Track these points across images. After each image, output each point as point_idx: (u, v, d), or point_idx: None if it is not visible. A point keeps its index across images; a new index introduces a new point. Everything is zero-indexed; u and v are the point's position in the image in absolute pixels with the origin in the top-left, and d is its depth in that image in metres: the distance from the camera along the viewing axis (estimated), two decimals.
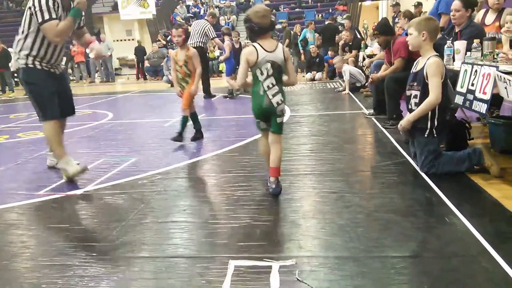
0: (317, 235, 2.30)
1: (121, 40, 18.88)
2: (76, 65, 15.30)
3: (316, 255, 2.08)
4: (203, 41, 8.29)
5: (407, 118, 3.17)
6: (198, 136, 4.83)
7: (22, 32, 3.47)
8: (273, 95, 2.90)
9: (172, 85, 12.18)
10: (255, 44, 2.86)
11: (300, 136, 4.68)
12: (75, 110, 3.92)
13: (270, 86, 2.88)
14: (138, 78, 15.40)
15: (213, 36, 8.37)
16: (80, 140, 5.23)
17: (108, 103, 9.07)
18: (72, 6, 3.48)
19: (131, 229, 2.51)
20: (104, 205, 2.97)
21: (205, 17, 8.90)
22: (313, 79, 10.90)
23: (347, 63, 8.68)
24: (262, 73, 2.86)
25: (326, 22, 12.46)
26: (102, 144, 4.95)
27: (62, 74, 3.78)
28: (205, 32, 8.30)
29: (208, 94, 8.55)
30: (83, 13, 3.67)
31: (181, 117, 4.72)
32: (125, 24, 18.38)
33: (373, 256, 2.02)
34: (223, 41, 9.06)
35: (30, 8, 3.37)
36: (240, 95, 8.49)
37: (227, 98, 8.35)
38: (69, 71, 15.49)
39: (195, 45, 8.38)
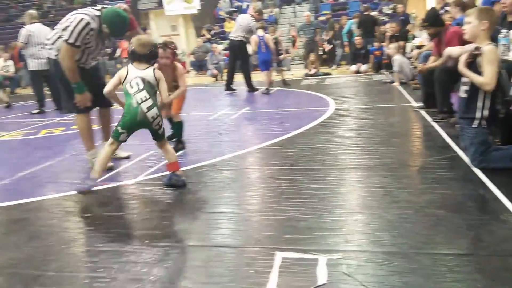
0: (364, 230, 2.28)
1: (166, 36, 19.29)
2: (125, 60, 15.81)
3: (363, 249, 2.06)
4: (246, 36, 8.32)
5: (460, 62, 3.05)
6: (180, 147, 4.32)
7: (63, 30, 3.58)
8: (148, 108, 3.00)
9: (216, 79, 12.37)
10: (129, 65, 3.11)
11: (345, 130, 4.62)
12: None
13: (144, 99, 3.00)
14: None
15: (255, 34, 8.41)
16: None
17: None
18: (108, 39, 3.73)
19: (180, 219, 2.60)
20: (155, 195, 3.07)
21: (251, 13, 8.91)
22: (358, 72, 10.69)
23: (402, 54, 8.33)
24: (132, 87, 3.02)
25: (364, 13, 12.13)
26: (149, 136, 5.10)
27: (93, 68, 3.86)
28: (251, 28, 8.33)
29: (251, 87, 8.59)
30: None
31: (175, 123, 4.35)
32: (170, 19, 18.76)
33: (423, 253, 1.98)
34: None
35: (71, 21, 3.49)
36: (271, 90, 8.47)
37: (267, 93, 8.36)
38: (118, 66, 16.05)
39: (237, 39, 8.42)
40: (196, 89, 10.38)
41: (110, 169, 3.67)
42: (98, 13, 3.54)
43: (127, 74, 3.06)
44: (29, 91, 9.34)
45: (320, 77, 10.62)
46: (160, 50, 3.97)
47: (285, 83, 9.40)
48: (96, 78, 3.91)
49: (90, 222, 2.72)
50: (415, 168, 3.30)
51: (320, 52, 12.44)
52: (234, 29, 8.74)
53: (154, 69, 3.11)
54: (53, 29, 3.74)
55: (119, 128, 3.06)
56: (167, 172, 3.28)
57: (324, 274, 1.86)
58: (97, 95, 3.68)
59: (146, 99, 3.00)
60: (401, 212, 2.43)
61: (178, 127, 4.31)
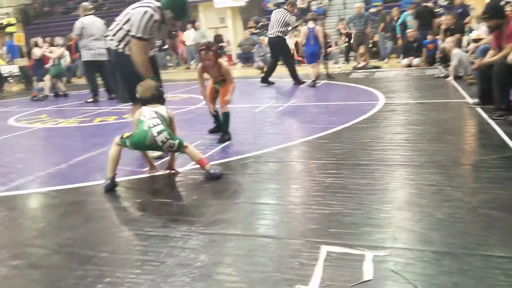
0: (413, 228, 2.22)
1: (215, 28, 19.52)
2: (174, 52, 16.17)
3: (411, 248, 2.01)
4: (283, 30, 8.30)
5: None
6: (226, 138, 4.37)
7: (124, 23, 3.71)
8: (158, 133, 3.11)
9: (262, 72, 12.37)
10: (142, 107, 3.25)
11: (394, 125, 4.50)
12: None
13: (155, 124, 3.13)
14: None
15: (295, 25, 8.33)
16: (178, 123, 5.53)
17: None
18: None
19: (226, 208, 2.64)
20: (201, 184, 3.14)
21: (285, 6, 8.85)
22: (409, 65, 10.34)
23: (459, 47, 7.95)
24: (144, 116, 3.16)
25: (422, 5, 11.66)
26: (199, 127, 5.21)
27: (151, 59, 3.91)
28: (286, 21, 8.28)
29: (297, 80, 8.54)
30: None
31: (222, 114, 4.37)
32: (218, 12, 18.94)
33: (475, 254, 1.91)
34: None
35: (133, 14, 3.58)
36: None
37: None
38: (167, 57, 16.44)
39: (274, 35, 8.38)
40: (242, 82, 10.45)
41: (160, 157, 3.78)
42: (158, 3, 3.64)
43: (140, 113, 3.22)
44: (83, 80, 9.77)
45: (369, 70, 10.38)
46: (202, 53, 4.13)
47: (329, 76, 9.26)
48: (153, 69, 4.01)
49: (140, 207, 2.83)
50: (469, 167, 3.16)
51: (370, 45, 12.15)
52: (270, 25, 8.69)
53: (166, 108, 3.27)
54: (114, 21, 3.86)
55: (126, 141, 3.17)
56: (214, 163, 3.34)
57: (370, 270, 1.83)
58: None
59: (158, 124, 3.14)
60: (452, 212, 2.35)
61: (225, 118, 4.37)
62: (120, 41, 3.74)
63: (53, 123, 6.36)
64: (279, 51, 8.64)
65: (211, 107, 4.43)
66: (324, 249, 2.03)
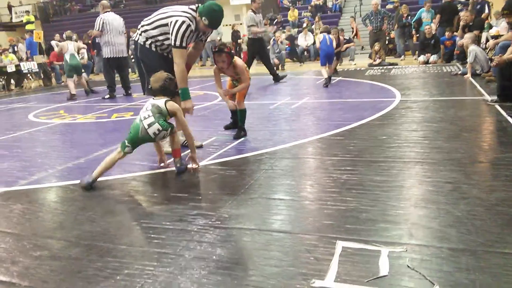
0: (430, 225, 2.20)
1: (230, 25, 19.57)
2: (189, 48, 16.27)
3: (428, 244, 2.00)
4: (249, 30, 8.76)
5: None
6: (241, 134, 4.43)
7: (152, 23, 3.79)
8: (149, 125, 3.21)
9: (278, 68, 12.34)
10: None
11: (411, 122, 4.46)
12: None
13: (146, 116, 3.23)
14: None
15: (250, 24, 8.59)
16: (195, 119, 5.60)
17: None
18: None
19: (241, 203, 2.66)
20: (217, 179, 3.17)
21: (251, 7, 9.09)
22: (426, 62, 10.22)
23: (476, 44, 7.83)
24: (142, 109, 3.32)
25: (444, 1, 11.51)
26: (214, 123, 5.25)
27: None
28: (250, 22, 8.72)
29: (276, 77, 8.83)
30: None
31: (238, 111, 4.43)
32: (234, 9, 18.97)
33: (493, 251, 1.89)
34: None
35: (170, 23, 3.66)
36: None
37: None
38: None
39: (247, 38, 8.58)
40: (257, 78, 10.46)
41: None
42: (194, 13, 3.72)
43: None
44: (100, 77, 9.87)
45: (385, 67, 10.29)
46: (216, 55, 4.19)
47: (335, 71, 9.20)
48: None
49: (158, 201, 2.87)
50: (487, 164, 3.12)
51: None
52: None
53: (166, 101, 3.29)
54: (147, 18, 3.89)
55: (126, 141, 3.28)
56: (230, 158, 3.37)
57: (386, 266, 1.83)
58: None
59: (149, 117, 3.22)
60: (470, 209, 2.32)
61: (241, 115, 4.40)
62: (148, 38, 3.82)
63: (71, 119, 6.47)
64: (253, 51, 9.15)
65: (231, 103, 4.46)
66: (340, 245, 2.03)
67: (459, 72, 7.83)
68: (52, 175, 3.60)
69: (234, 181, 3.10)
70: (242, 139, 4.25)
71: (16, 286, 1.92)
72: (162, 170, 3.46)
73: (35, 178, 3.51)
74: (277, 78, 8.89)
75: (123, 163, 3.78)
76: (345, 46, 12.14)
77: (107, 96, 8.57)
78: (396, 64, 10.53)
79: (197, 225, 2.38)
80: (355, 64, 11.71)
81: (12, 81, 13.15)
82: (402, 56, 12.11)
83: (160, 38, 3.78)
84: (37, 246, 2.31)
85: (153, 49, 3.85)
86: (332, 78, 8.12)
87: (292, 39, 14.44)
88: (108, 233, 2.39)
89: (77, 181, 3.31)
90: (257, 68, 12.98)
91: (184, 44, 3.68)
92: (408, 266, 1.82)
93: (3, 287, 1.92)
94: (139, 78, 8.54)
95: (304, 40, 14.37)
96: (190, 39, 3.77)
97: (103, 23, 8.18)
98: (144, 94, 7.76)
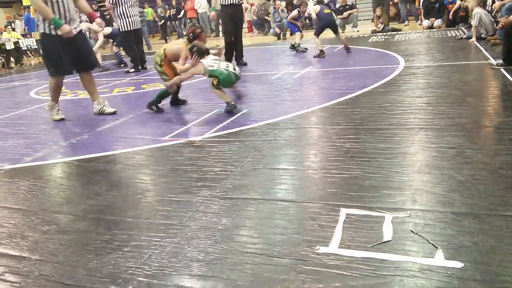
0: (433, 190, 2.21)
1: None
2: (188, 20, 16.00)
3: (431, 209, 2.01)
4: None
5: None
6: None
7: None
8: (234, 68, 4.20)
9: (279, 38, 12.16)
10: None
11: (415, 88, 4.41)
12: (92, 66, 4.79)
13: (226, 66, 4.19)
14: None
15: None
16: (196, 92, 5.57)
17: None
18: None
19: (245, 174, 2.67)
20: (221, 151, 3.18)
21: None
22: (431, 27, 10.03)
23: (480, 6, 7.62)
24: (212, 66, 4.15)
25: None
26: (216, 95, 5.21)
27: (76, 36, 4.38)
28: None
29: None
30: None
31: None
32: None
33: (496, 215, 1.90)
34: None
35: None
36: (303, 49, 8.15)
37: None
38: (182, 26, 16.29)
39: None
40: (258, 49, 10.34)
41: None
42: None
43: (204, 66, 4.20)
44: (102, 52, 9.66)
45: (388, 33, 10.11)
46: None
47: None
48: (77, 47, 4.45)
49: (162, 174, 2.89)
50: (491, 129, 3.10)
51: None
52: None
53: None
54: None
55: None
56: (233, 130, 3.37)
57: (390, 231, 1.85)
58: (78, 62, 4.51)
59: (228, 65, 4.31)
60: (473, 173, 2.32)
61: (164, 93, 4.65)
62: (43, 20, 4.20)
63: (73, 95, 6.45)
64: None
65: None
66: (344, 212, 2.05)
67: (464, 36, 7.68)
68: (57, 151, 3.62)
69: (238, 152, 3.10)
70: (245, 110, 4.22)
71: (27, 259, 1.96)
72: (165, 144, 3.47)
73: (40, 155, 3.53)
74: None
75: (126, 137, 3.79)
76: (347, 12, 11.90)
77: (132, 69, 8.30)
78: (400, 30, 10.34)
79: (202, 197, 2.40)
80: (358, 31, 11.51)
81: (12, 59, 13.05)
82: (406, 22, 11.88)
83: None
84: (45, 221, 2.34)
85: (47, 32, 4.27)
86: (322, 50, 7.81)
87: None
88: (114, 207, 2.42)
89: (82, 156, 3.34)
90: (258, 38, 12.80)
91: None
92: (412, 231, 1.83)
93: (14, 261, 1.96)
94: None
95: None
96: None
97: None
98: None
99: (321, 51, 7.45)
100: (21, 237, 2.18)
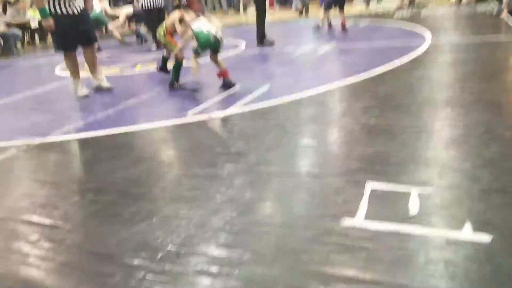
0: (460, 166, 2.18)
1: None
2: None
3: (458, 185, 1.99)
4: None
5: None
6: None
7: None
8: (216, 32, 4.26)
9: (301, 14, 11.96)
10: None
11: (442, 65, 4.31)
12: (93, 39, 4.93)
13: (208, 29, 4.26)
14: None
15: None
16: (217, 69, 5.55)
17: (240, 33, 9.34)
18: None
19: (269, 149, 2.69)
20: (244, 126, 3.19)
21: None
22: (459, 2, 9.68)
23: None
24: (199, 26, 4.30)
25: None
26: (238, 72, 5.19)
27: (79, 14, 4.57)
28: None
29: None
30: None
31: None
32: None
33: None
34: None
35: None
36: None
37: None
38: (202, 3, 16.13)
39: None
40: (280, 25, 10.20)
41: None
42: None
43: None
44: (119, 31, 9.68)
45: (415, 9, 9.82)
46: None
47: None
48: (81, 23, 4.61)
49: (186, 149, 2.93)
50: None
51: None
52: None
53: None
54: None
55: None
56: (255, 107, 3.38)
57: (416, 206, 1.84)
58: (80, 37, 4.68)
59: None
60: (501, 150, 2.28)
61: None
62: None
63: None
64: None
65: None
66: (369, 186, 2.05)
67: (494, 12, 7.40)
68: (83, 126, 3.69)
69: (261, 128, 3.11)
70: (267, 86, 4.20)
71: (59, 228, 2.04)
72: (189, 120, 3.50)
73: (67, 130, 3.61)
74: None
75: (150, 113, 3.84)
76: None
77: (154, 47, 8.29)
78: (426, 6, 10.02)
79: (226, 170, 2.43)
80: (382, 7, 11.22)
81: (36, 36, 13.23)
82: None
83: None
84: (74, 193, 2.42)
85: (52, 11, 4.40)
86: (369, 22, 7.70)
87: None
88: (140, 180, 2.47)
89: (108, 131, 3.40)
90: (280, 14, 12.62)
91: None
92: (438, 206, 1.82)
93: (47, 230, 2.04)
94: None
95: None
96: None
97: None
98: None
99: (329, 24, 7.40)
100: (53, 207, 2.25)
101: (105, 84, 5.02)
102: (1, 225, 2.13)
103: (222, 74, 4.40)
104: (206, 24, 4.28)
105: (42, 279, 1.69)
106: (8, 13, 11.59)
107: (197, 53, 4.32)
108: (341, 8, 7.75)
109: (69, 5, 4.48)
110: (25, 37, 12.57)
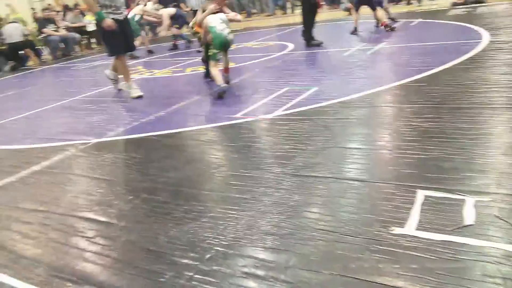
0: None
1: None
2: None
3: None
4: None
5: None
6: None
7: None
8: (228, 33, 4.51)
9: (350, 13, 11.73)
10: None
11: (501, 65, 4.08)
12: (133, 48, 5.38)
13: (222, 29, 4.53)
14: None
15: None
16: (266, 70, 5.59)
17: (288, 34, 9.32)
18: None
19: (316, 152, 2.67)
20: (292, 129, 3.18)
21: None
22: None
23: None
24: (212, 23, 4.56)
25: None
26: (286, 73, 5.20)
27: (123, 21, 4.88)
28: None
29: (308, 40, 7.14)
30: None
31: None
32: None
33: None
34: None
35: None
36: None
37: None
38: (250, 5, 16.28)
39: None
40: (329, 25, 10.08)
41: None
42: None
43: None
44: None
45: (471, 5, 9.37)
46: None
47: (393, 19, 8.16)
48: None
49: (234, 150, 2.97)
50: None
51: None
52: None
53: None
54: None
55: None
56: (303, 108, 3.37)
57: (472, 215, 1.76)
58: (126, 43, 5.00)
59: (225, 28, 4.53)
60: None
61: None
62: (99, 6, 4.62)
63: (149, 74, 6.75)
64: None
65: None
66: (421, 193, 1.98)
67: None
68: (137, 127, 3.84)
69: (309, 130, 3.09)
70: (315, 88, 4.17)
71: (114, 225, 2.14)
72: (237, 121, 3.54)
73: (122, 130, 3.77)
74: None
75: (200, 114, 3.93)
76: None
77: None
78: (484, 2, 9.52)
79: (273, 173, 2.44)
80: (436, 3, 10.79)
81: (93, 40, 13.88)
82: None
83: None
84: (129, 191, 2.52)
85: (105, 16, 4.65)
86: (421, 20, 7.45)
87: None
88: (191, 180, 2.54)
89: (159, 132, 3.52)
90: (329, 13, 12.46)
91: None
92: (496, 216, 1.73)
93: (103, 227, 2.14)
94: None
95: None
96: None
97: None
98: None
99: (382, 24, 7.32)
100: (108, 205, 2.36)
101: (135, 93, 5.10)
102: (61, 220, 2.27)
103: (225, 70, 4.85)
104: (220, 24, 4.49)
105: (97, 274, 1.78)
106: (68, 18, 12.27)
107: (214, 59, 4.57)
108: (372, 7, 7.55)
109: (116, 13, 4.78)
110: (83, 40, 13.22)
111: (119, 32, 4.79)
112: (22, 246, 2.09)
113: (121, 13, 4.87)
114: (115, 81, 5.53)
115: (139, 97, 4.93)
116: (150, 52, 9.51)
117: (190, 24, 5.25)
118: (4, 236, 2.22)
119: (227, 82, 4.72)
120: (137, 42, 8.99)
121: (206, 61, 5.21)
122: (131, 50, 5.25)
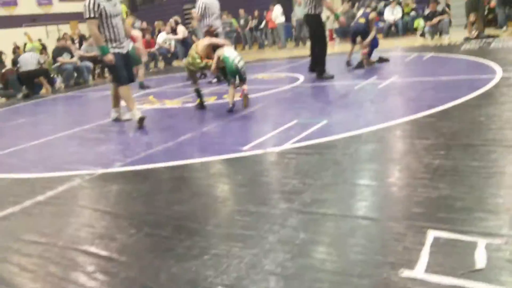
0: None
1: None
2: (270, 31, 16.23)
3: None
4: (314, 5, 6.89)
5: None
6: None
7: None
8: (242, 66, 5.07)
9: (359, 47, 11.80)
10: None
11: None
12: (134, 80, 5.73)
13: (237, 61, 5.09)
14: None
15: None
16: (275, 102, 5.61)
17: (299, 66, 9.41)
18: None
19: (324, 188, 2.61)
20: (300, 163, 3.14)
21: None
22: None
23: None
24: (227, 54, 5.12)
25: None
26: (295, 106, 5.20)
27: (127, 54, 5.27)
28: None
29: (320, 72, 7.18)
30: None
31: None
32: None
33: None
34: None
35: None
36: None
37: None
38: (263, 37, 16.60)
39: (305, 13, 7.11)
40: (340, 57, 10.15)
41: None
42: None
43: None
44: (180, 63, 10.12)
45: (484, 40, 9.39)
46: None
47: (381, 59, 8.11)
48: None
49: (241, 184, 2.93)
50: None
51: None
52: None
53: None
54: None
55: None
56: (312, 142, 3.35)
57: (483, 258, 1.68)
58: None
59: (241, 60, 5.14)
60: None
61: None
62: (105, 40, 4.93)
63: (160, 104, 6.82)
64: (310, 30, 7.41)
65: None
66: (431, 234, 1.91)
67: None
68: (144, 157, 3.83)
69: (317, 165, 3.05)
70: (323, 122, 4.15)
71: (115, 261, 2.09)
72: (244, 154, 3.52)
73: (129, 161, 3.77)
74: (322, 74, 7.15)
75: (207, 146, 3.92)
76: (437, 18, 11.30)
77: (214, 80, 8.55)
78: (497, 36, 9.55)
79: (279, 209, 2.38)
80: (449, 38, 10.86)
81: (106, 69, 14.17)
82: (504, 27, 10.95)
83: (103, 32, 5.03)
84: (132, 225, 2.48)
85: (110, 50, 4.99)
86: (433, 54, 7.55)
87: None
88: (195, 214, 2.49)
89: (167, 164, 3.50)
90: (340, 47, 12.60)
91: (91, 15, 4.80)
92: (509, 260, 1.65)
93: (103, 261, 2.10)
94: None
95: (391, 15, 13.56)
96: (96, 10, 4.81)
97: (205, 7, 8.11)
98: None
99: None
100: (110, 239, 2.32)
101: (124, 116, 5.64)
102: (61, 253, 2.23)
103: (241, 95, 5.32)
104: (233, 53, 5.10)
105: None
106: (83, 47, 12.58)
107: (230, 82, 5.11)
108: (363, 39, 7.70)
109: (120, 47, 5.11)
110: (95, 69, 13.48)
111: (122, 64, 5.12)
112: (20, 280, 2.05)
113: (123, 47, 5.20)
114: (130, 119, 5.60)
115: (142, 119, 5.00)
116: (147, 87, 9.13)
117: (193, 61, 5.50)
118: (3, 268, 2.18)
119: (245, 105, 5.28)
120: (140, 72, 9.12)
121: (198, 92, 5.77)
122: (132, 81, 5.55)
